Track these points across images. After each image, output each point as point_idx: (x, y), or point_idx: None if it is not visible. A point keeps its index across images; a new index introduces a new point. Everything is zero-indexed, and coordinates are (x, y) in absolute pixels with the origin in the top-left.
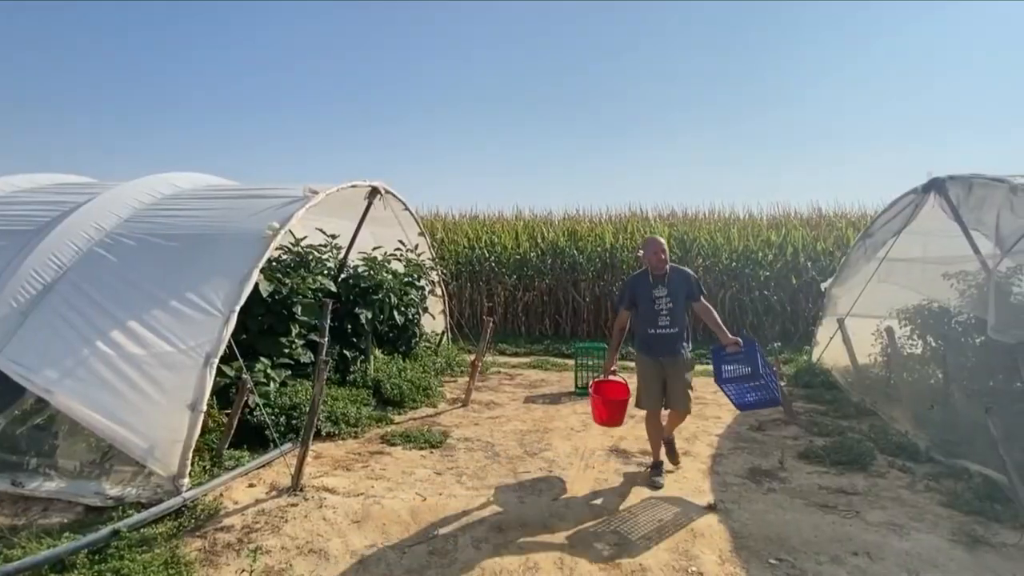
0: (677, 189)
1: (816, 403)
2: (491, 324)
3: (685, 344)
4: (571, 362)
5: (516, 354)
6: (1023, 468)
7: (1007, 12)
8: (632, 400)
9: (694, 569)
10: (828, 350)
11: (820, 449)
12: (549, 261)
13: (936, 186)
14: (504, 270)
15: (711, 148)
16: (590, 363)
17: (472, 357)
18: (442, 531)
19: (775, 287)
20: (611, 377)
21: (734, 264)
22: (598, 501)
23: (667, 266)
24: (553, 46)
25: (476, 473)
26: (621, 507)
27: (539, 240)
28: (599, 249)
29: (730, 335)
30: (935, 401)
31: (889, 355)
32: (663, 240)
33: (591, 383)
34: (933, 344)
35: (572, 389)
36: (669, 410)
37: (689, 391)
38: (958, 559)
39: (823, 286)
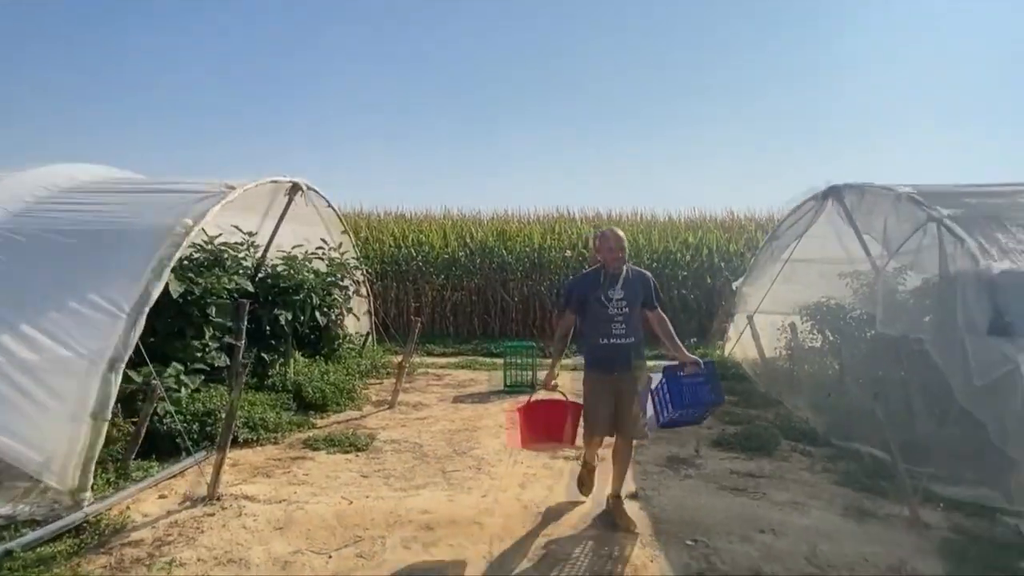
0: (602, 191)
1: (728, 394)
2: (419, 324)
3: (642, 357)
4: (500, 361)
5: (444, 354)
6: (905, 448)
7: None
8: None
9: (617, 554)
10: (739, 345)
11: (731, 437)
12: (478, 261)
13: (834, 193)
14: (432, 270)
15: (638, 151)
16: (519, 362)
17: (399, 358)
18: (370, 533)
19: (692, 286)
20: (548, 395)
21: (655, 264)
22: (527, 495)
23: (624, 265)
24: (482, 43)
25: (404, 474)
26: (549, 500)
27: (468, 240)
28: (527, 249)
29: (688, 353)
30: (832, 390)
31: (792, 348)
32: (621, 233)
33: (518, 409)
34: (831, 338)
35: (501, 388)
36: (615, 448)
37: (643, 415)
38: (849, 531)
39: (735, 285)
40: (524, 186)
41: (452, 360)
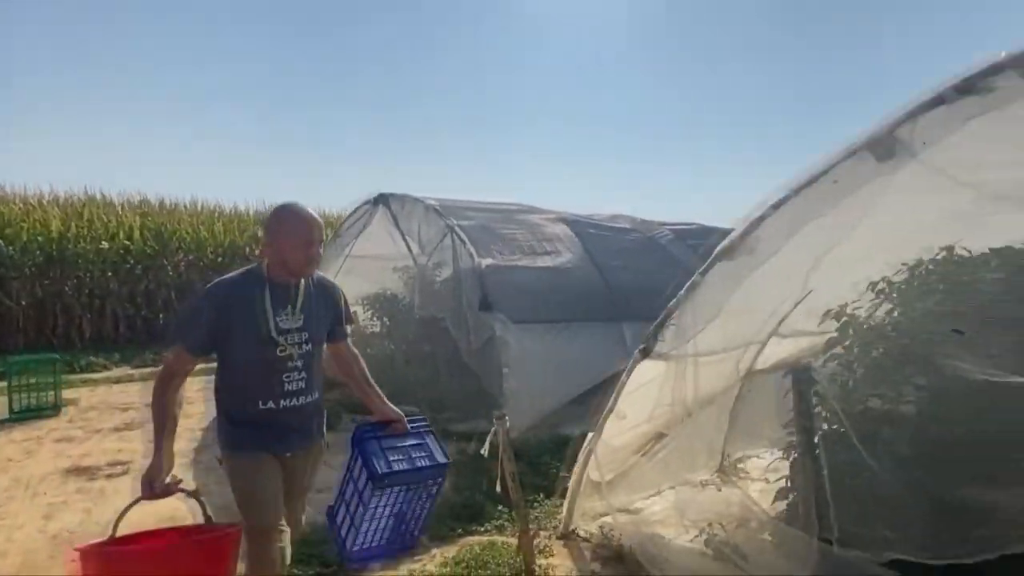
0: (152, 177)
1: None
2: None
3: (323, 421)
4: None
5: None
6: (433, 402)
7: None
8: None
9: None
10: None
11: None
12: None
13: (383, 200)
14: None
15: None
16: (32, 381)
17: None
18: None
19: None
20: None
21: (220, 259)
22: (55, 526)
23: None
24: None
25: None
26: (87, 524)
27: None
28: (40, 239)
29: (390, 404)
30: (388, 367)
31: (356, 335)
32: (318, 217)
33: (79, 551)
34: (387, 323)
35: (6, 416)
36: None
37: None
38: None
39: None
40: (38, 158)
41: None
